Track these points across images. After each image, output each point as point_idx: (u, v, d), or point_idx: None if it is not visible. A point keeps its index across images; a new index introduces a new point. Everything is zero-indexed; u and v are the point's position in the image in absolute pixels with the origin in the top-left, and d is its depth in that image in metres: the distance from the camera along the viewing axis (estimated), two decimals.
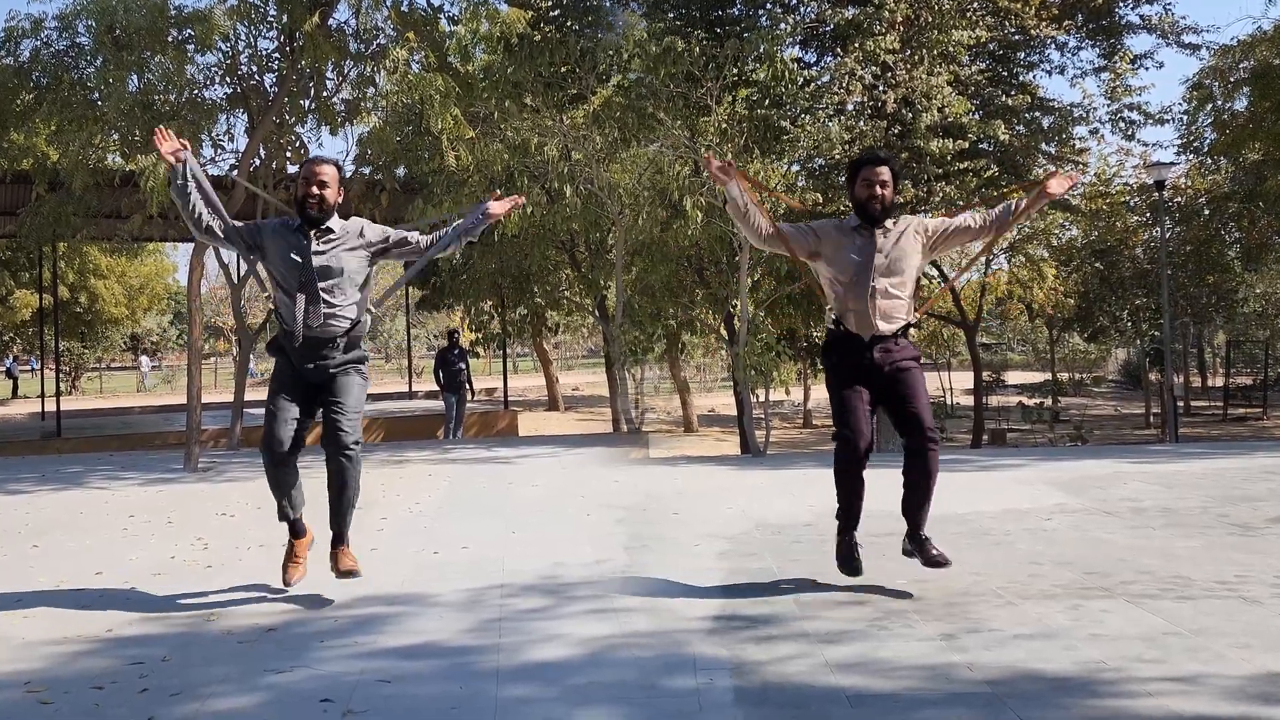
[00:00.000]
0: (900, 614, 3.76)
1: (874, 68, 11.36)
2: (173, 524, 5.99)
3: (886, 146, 11.34)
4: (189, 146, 4.13)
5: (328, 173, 4.18)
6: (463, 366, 14.87)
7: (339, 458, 4.05)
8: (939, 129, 11.17)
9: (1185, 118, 19.12)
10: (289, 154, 10.51)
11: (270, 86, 10.05)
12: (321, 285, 4.11)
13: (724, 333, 13.93)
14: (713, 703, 2.89)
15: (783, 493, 7.18)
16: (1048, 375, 32.23)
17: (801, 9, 12.55)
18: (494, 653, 3.33)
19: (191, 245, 10.36)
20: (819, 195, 11.61)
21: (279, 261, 4.17)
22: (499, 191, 4.43)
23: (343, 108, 10.41)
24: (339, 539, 4.19)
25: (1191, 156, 20.06)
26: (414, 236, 4.38)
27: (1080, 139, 13.32)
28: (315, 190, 4.13)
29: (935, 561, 4.08)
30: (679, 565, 4.73)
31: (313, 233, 4.16)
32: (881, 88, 11.60)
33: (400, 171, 12.42)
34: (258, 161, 10.31)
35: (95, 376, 39.26)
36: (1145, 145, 19.46)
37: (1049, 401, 26.37)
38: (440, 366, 14.97)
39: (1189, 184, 22.70)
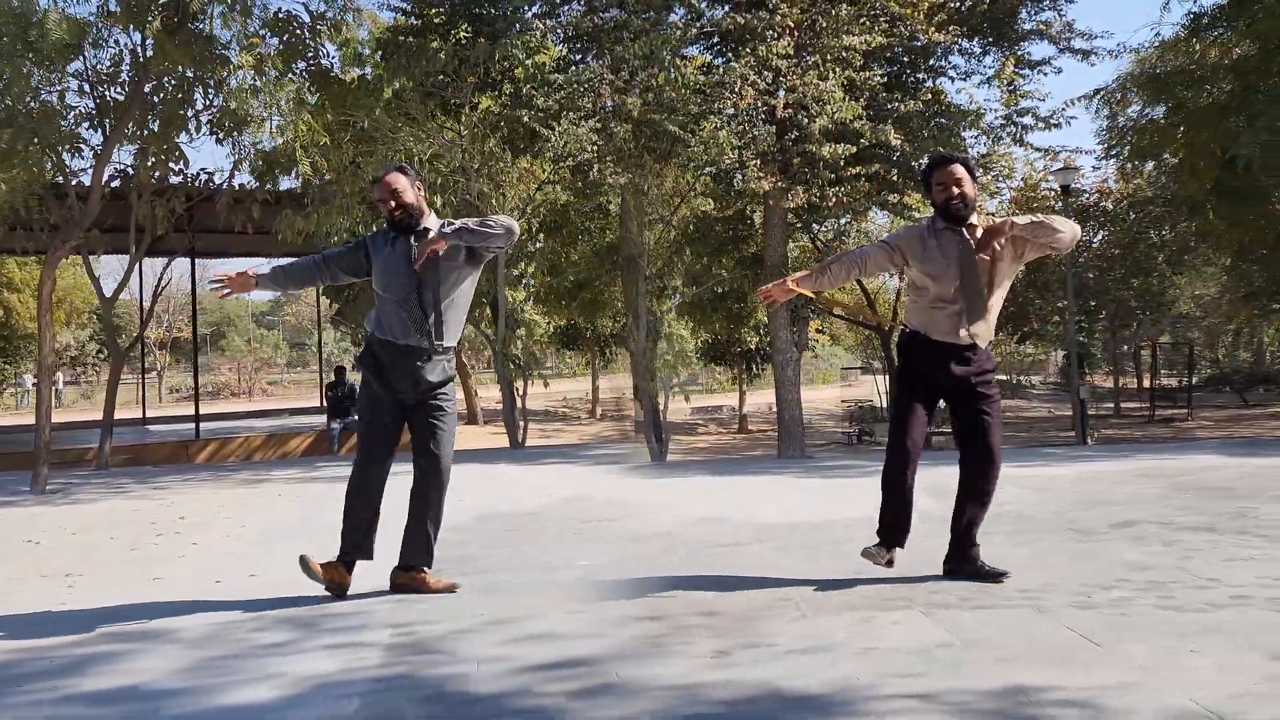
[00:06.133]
0: (686, 629, 3.64)
1: (767, 73, 11.27)
2: None
3: (781, 151, 11.29)
4: (247, 272, 4.16)
5: (398, 181, 4.19)
6: (347, 403, 15.49)
7: (436, 484, 4.23)
8: (832, 134, 11.11)
9: (1106, 122, 19.35)
10: (157, 159, 10.19)
11: (123, 96, 9.74)
12: (424, 293, 4.13)
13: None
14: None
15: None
16: None
17: (562, 12, 12.33)
18: (196, 694, 3.11)
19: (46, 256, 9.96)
20: (711, 202, 11.51)
21: (381, 272, 4.19)
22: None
23: (208, 117, 10.11)
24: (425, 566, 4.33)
25: (1111, 161, 20.29)
26: (463, 221, 4.24)
27: (969, 141, 13.29)
28: (392, 202, 4.16)
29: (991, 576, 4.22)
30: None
31: (412, 239, 4.17)
32: (780, 90, 11.50)
33: (288, 183, 12.11)
34: (132, 171, 10.05)
35: (16, 393, 37.73)
36: (1068, 151, 19.68)
37: None
38: (328, 392, 16.16)
39: (1118, 187, 22.99)
